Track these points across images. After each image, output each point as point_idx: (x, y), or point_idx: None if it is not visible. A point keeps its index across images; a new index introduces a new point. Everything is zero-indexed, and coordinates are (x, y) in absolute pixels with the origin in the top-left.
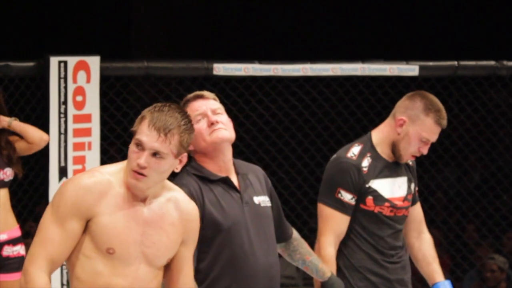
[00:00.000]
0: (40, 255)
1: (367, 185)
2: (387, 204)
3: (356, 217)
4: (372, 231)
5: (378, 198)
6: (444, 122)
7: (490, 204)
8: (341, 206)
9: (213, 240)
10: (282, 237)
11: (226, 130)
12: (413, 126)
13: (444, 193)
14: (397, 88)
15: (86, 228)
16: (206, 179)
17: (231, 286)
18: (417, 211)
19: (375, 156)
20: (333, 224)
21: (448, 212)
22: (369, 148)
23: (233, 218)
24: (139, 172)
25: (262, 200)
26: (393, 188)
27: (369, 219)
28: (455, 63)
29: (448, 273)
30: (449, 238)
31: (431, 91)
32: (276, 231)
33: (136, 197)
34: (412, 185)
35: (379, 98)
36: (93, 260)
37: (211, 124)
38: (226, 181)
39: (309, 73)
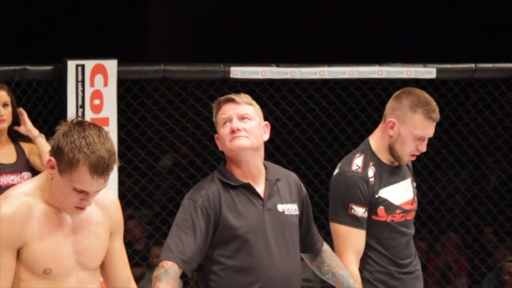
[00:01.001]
0: None
1: (376, 196)
2: (398, 211)
3: (369, 230)
4: (386, 241)
5: (389, 206)
6: (435, 115)
7: (507, 207)
8: (356, 222)
9: (228, 245)
10: (309, 248)
11: (247, 138)
12: (404, 126)
13: (461, 196)
14: None
15: (18, 255)
16: (228, 184)
17: None
18: None
19: (378, 163)
20: (352, 242)
21: (466, 215)
22: (371, 156)
23: (250, 224)
24: (82, 208)
25: (287, 208)
26: (400, 193)
27: (382, 229)
28: (473, 65)
29: (466, 276)
30: (467, 241)
31: (449, 94)
32: (303, 241)
33: (57, 210)
34: (414, 184)
35: None
36: (31, 282)
37: (232, 131)
38: (248, 188)
39: (326, 76)
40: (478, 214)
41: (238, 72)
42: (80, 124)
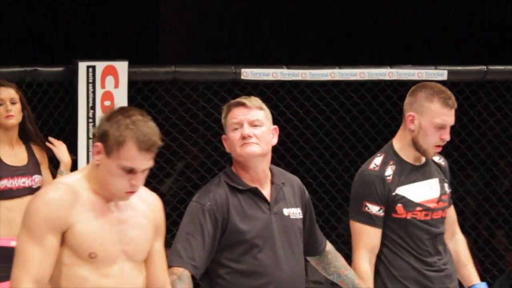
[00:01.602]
0: (24, 278)
1: (393, 193)
2: (419, 208)
3: (391, 227)
4: (409, 238)
5: (408, 204)
6: (451, 102)
7: None
8: (369, 220)
9: (235, 248)
10: (313, 250)
11: (258, 145)
12: (423, 117)
13: (473, 199)
14: None
15: (63, 239)
16: (236, 188)
17: None
18: (450, 212)
19: (399, 162)
20: (365, 239)
21: (477, 218)
22: (392, 155)
23: (257, 229)
24: (133, 191)
25: (293, 212)
26: (423, 191)
27: (403, 226)
28: (484, 67)
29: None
30: (478, 243)
31: (460, 96)
32: (307, 244)
33: (104, 199)
34: (446, 186)
35: None
36: (76, 268)
37: (243, 137)
38: (255, 192)
39: (337, 77)
40: (489, 217)
41: (249, 73)
42: (123, 108)
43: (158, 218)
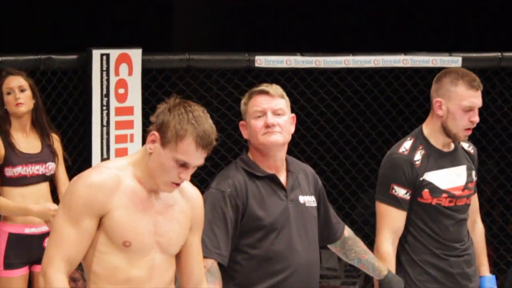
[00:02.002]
0: (57, 256)
1: (421, 178)
2: (444, 195)
3: (415, 211)
4: (432, 223)
5: (435, 190)
6: (476, 83)
7: None
8: (396, 202)
9: (253, 234)
10: (330, 238)
11: (280, 134)
12: (450, 101)
13: (487, 186)
14: None
15: (100, 224)
16: (253, 175)
17: (267, 280)
18: (474, 200)
19: (429, 147)
20: (389, 221)
21: (491, 205)
22: (421, 140)
23: (275, 215)
24: (178, 184)
25: (308, 200)
26: (450, 178)
27: (428, 211)
28: (499, 54)
29: (492, 265)
30: (493, 230)
31: None
32: (324, 232)
33: (146, 189)
34: (473, 173)
35: (422, 90)
36: (109, 255)
37: (267, 126)
38: (273, 179)
39: (351, 65)
40: (504, 204)
41: (263, 61)
42: (185, 101)
43: (197, 214)
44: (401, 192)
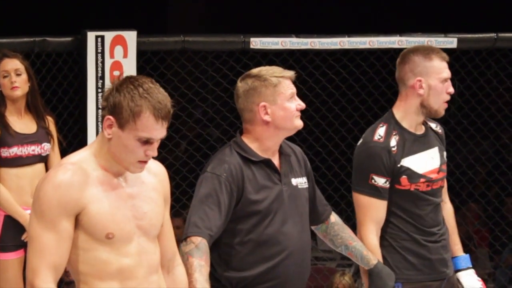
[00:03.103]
0: (41, 265)
1: (399, 165)
2: (422, 180)
3: (393, 198)
4: (411, 210)
5: (412, 175)
6: (444, 54)
7: None
8: (376, 192)
9: (249, 219)
10: (315, 220)
11: None
12: (430, 77)
13: (482, 167)
14: None
15: (77, 222)
16: (248, 159)
17: (262, 264)
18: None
19: (402, 132)
20: (372, 212)
21: (487, 186)
22: (394, 125)
23: (270, 200)
24: (146, 161)
25: (300, 181)
26: (426, 162)
27: (406, 198)
28: (494, 35)
29: (487, 246)
30: (488, 211)
31: (470, 64)
32: (311, 214)
33: (113, 175)
34: (444, 154)
35: None
36: (94, 251)
37: (300, 110)
38: (267, 163)
39: (347, 46)
40: (499, 185)
41: (258, 42)
42: (131, 77)
43: (166, 188)
44: (380, 181)
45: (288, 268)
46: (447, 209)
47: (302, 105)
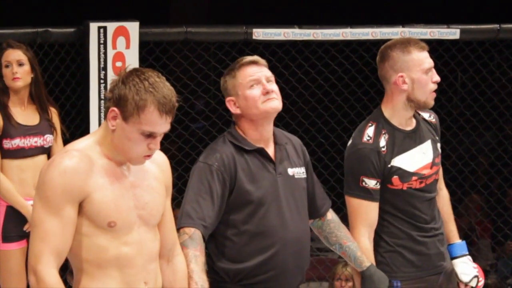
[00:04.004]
0: (44, 251)
1: (389, 165)
2: (414, 178)
3: (386, 198)
4: (405, 208)
5: (404, 174)
6: (423, 44)
7: None
8: (367, 194)
9: (243, 209)
10: (313, 213)
11: (278, 100)
12: (412, 71)
13: (485, 158)
14: (437, 52)
15: (80, 209)
16: (242, 148)
17: (258, 255)
18: (439, 170)
19: (391, 130)
20: (363, 214)
21: (489, 177)
22: (383, 123)
23: (264, 189)
24: (150, 155)
25: (297, 171)
26: (417, 158)
27: (400, 197)
28: (497, 26)
29: (489, 237)
30: (490, 202)
31: (473, 55)
32: (309, 207)
33: (117, 164)
34: (438, 145)
35: None
36: (96, 237)
37: (266, 92)
38: (261, 152)
39: (349, 37)
40: (501, 176)
41: (261, 33)
42: (137, 69)
43: (168, 178)
44: (371, 183)
45: (286, 259)
46: (443, 196)
47: (267, 88)
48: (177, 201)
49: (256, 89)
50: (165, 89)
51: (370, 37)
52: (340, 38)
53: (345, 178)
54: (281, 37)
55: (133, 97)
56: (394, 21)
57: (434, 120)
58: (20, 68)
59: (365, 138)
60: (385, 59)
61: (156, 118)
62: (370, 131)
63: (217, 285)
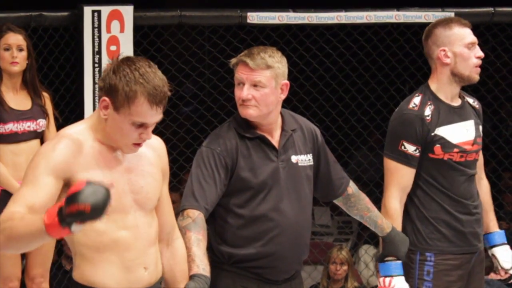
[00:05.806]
0: (13, 205)
1: (432, 134)
2: (456, 150)
3: (426, 167)
4: (443, 179)
5: (446, 145)
6: (464, 20)
7: None
8: (405, 159)
9: (242, 194)
10: (331, 195)
11: (256, 108)
12: (454, 45)
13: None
14: None
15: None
16: (244, 136)
17: (254, 240)
18: (480, 156)
19: (437, 102)
20: (398, 177)
21: (484, 160)
22: (429, 96)
23: (263, 176)
24: (141, 144)
25: (301, 159)
26: (461, 133)
27: (440, 167)
28: (491, 9)
29: None
30: None
31: None
32: (324, 189)
33: (110, 149)
34: (480, 128)
35: (414, 46)
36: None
37: (242, 100)
38: (263, 139)
39: (344, 21)
40: (496, 159)
41: (255, 17)
42: (128, 59)
43: (164, 163)
44: (410, 148)
45: (282, 246)
46: (483, 185)
47: (243, 95)
48: (172, 185)
49: (238, 90)
50: (156, 79)
51: (364, 21)
52: (335, 21)
53: (386, 141)
54: (276, 21)
55: (123, 88)
56: (389, 4)
57: (477, 106)
58: (19, 53)
59: (411, 105)
60: (429, 36)
61: (147, 110)
62: (416, 100)
63: (214, 265)
